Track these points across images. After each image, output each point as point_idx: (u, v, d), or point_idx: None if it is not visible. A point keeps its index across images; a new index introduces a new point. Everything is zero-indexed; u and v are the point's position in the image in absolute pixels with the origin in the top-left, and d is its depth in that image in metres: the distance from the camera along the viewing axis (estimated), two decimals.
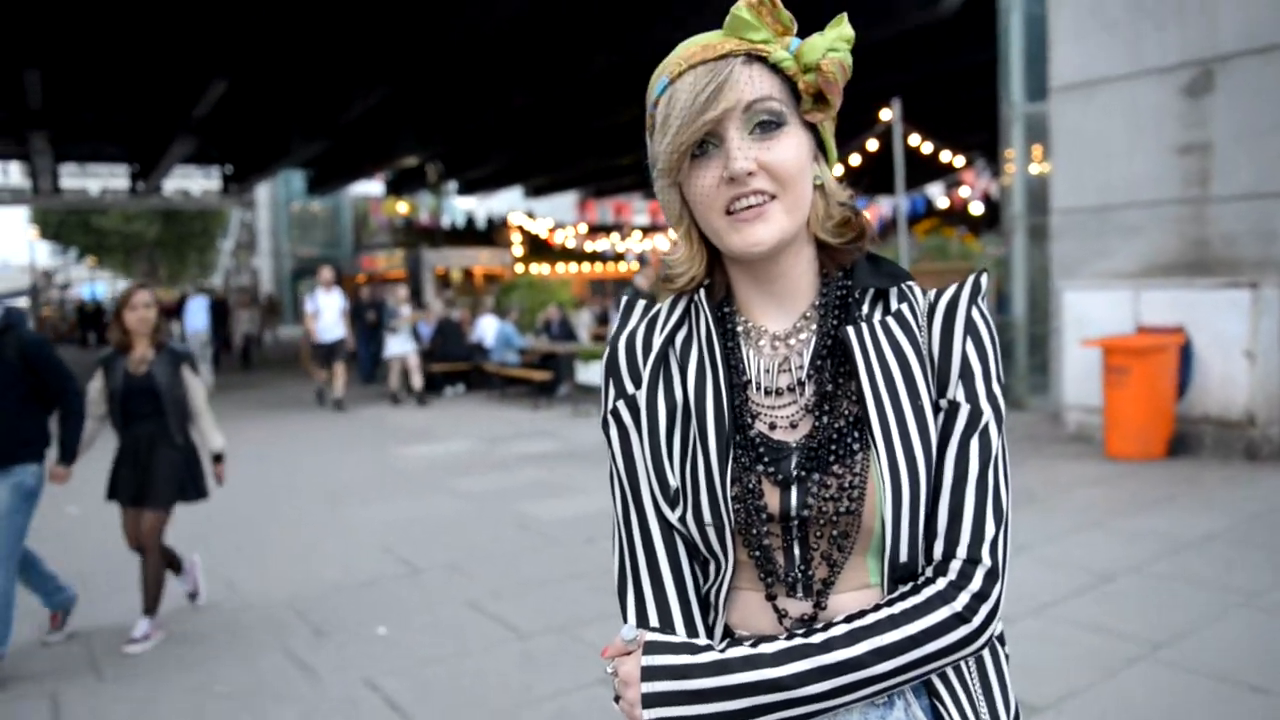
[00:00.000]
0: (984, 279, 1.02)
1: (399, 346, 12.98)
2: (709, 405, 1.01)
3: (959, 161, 18.16)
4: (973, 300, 1.01)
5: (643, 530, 1.04)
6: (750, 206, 0.95)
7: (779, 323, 1.05)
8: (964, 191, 22.52)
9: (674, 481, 1.01)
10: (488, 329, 14.13)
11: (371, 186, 33.50)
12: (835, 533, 0.97)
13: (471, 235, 27.31)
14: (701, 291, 1.06)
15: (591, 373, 11.42)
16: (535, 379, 12.53)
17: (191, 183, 38.91)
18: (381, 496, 7.35)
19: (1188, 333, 7.37)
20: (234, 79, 15.75)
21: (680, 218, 1.03)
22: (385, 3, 13.35)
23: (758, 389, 1.03)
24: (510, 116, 18.90)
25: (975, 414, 0.97)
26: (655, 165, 1.01)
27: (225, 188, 30.27)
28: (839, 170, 1.08)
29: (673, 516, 1.02)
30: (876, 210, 24.18)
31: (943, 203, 24.31)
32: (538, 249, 24.14)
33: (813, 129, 1.01)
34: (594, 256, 25.07)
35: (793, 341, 1.04)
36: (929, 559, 0.96)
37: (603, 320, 16.70)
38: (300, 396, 13.79)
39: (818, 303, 1.04)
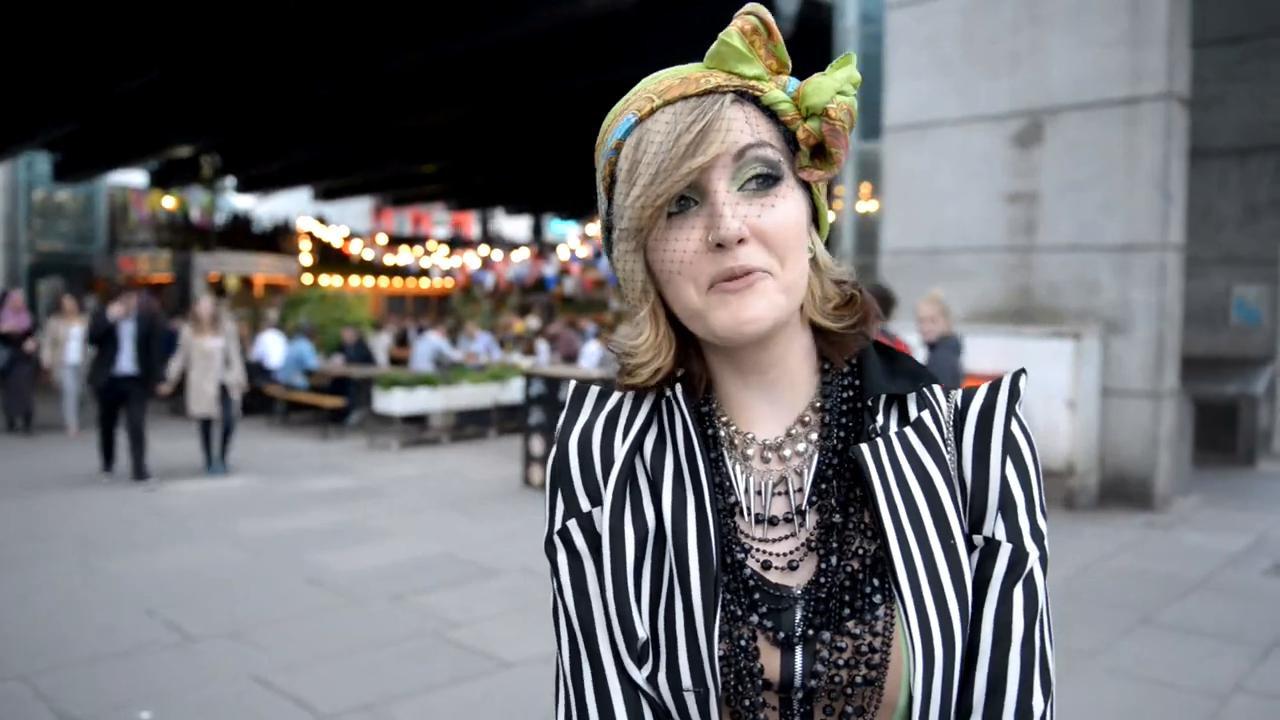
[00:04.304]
0: (1023, 381, 0.83)
1: None
2: (691, 533, 0.78)
3: None
4: (1010, 410, 0.82)
5: (599, 691, 0.79)
6: (737, 278, 0.75)
7: (769, 428, 0.85)
8: None
9: (643, 631, 0.78)
10: (271, 347, 12.71)
11: (133, 176, 30.28)
12: (849, 708, 0.76)
13: (251, 239, 24.99)
14: (678, 386, 0.84)
15: (391, 401, 10.20)
16: (326, 405, 11.30)
17: None
18: (145, 544, 6.15)
19: None
20: None
21: (645, 293, 0.81)
22: None
23: (746, 515, 0.82)
24: (307, 109, 17.38)
25: (1019, 556, 0.78)
26: (618, 224, 0.79)
27: None
28: None
29: (639, 676, 0.78)
30: None
31: None
32: (328, 259, 22.40)
33: (806, 189, 0.81)
34: (394, 271, 23.49)
35: (788, 454, 0.83)
36: None
37: (401, 341, 15.53)
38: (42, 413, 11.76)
39: (818, 404, 0.85)
